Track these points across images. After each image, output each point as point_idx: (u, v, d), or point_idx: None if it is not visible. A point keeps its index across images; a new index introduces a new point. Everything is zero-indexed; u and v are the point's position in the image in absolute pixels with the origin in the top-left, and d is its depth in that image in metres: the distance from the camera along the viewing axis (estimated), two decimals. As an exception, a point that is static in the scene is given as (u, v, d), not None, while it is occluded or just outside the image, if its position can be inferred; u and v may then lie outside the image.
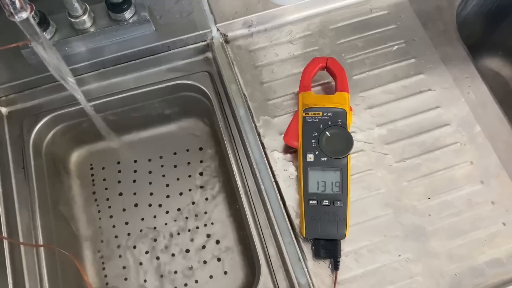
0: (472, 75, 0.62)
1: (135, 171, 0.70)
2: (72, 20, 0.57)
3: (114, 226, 0.67)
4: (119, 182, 0.69)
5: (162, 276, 0.63)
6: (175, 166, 0.70)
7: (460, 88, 0.61)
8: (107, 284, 0.63)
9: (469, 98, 0.60)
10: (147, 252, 0.65)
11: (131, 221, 0.67)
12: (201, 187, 0.68)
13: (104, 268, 0.64)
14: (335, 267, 0.51)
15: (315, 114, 0.54)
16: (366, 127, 0.59)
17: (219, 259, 0.64)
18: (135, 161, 0.71)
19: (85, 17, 0.57)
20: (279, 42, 0.64)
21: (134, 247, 0.65)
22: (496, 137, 0.58)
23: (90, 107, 0.58)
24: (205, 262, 0.64)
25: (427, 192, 0.55)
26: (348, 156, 0.53)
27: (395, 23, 0.65)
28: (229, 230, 0.65)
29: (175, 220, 0.67)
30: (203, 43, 0.63)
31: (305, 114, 0.55)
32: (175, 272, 0.63)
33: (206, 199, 0.68)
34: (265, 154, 0.57)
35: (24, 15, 0.41)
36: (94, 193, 0.69)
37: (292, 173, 0.56)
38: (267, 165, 0.56)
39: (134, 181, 0.69)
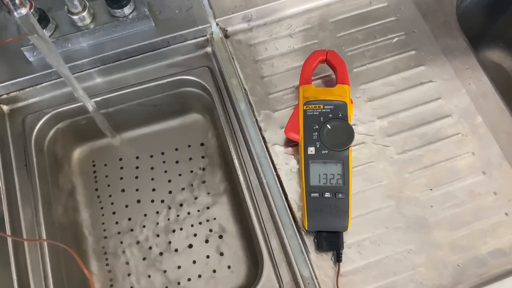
0: (473, 66, 0.61)
1: (137, 168, 0.70)
2: (72, 16, 0.57)
3: (117, 222, 0.67)
4: (121, 178, 0.69)
5: (165, 271, 0.63)
6: (177, 162, 0.70)
7: (461, 79, 0.61)
8: (110, 279, 0.63)
9: (470, 89, 0.60)
10: (150, 248, 0.65)
11: (134, 217, 0.67)
12: (203, 182, 0.69)
13: (107, 264, 0.64)
14: (337, 259, 0.51)
15: (315, 107, 0.54)
16: (367, 119, 0.59)
17: (222, 253, 0.64)
18: (137, 158, 0.71)
19: (85, 13, 0.58)
20: (278, 36, 0.64)
21: (137, 242, 0.65)
22: (497, 127, 0.58)
23: (92, 103, 0.58)
24: (208, 256, 0.64)
25: (429, 183, 0.55)
26: (349, 148, 0.53)
27: (395, 15, 0.65)
28: (231, 224, 0.66)
29: (177, 215, 0.67)
30: (203, 38, 0.63)
31: (306, 107, 0.55)
32: (179, 267, 0.64)
33: (208, 193, 0.68)
34: (267, 148, 0.57)
35: (23, 11, 0.41)
36: (96, 189, 0.69)
37: (293, 166, 0.56)
38: (269, 158, 0.56)
39: (136, 177, 0.69)
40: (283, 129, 0.56)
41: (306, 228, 0.52)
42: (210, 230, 0.66)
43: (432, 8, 0.65)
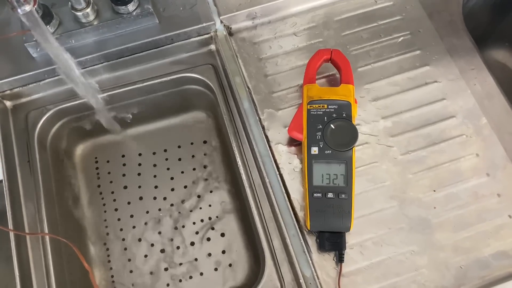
0: (478, 67, 0.61)
1: (139, 164, 0.70)
2: (76, 13, 0.57)
3: (119, 219, 0.67)
4: (123, 175, 0.69)
5: (167, 268, 0.64)
6: (179, 159, 0.70)
7: (466, 80, 0.60)
8: (112, 276, 0.63)
9: (475, 90, 0.60)
10: (152, 245, 0.65)
11: (136, 214, 0.67)
12: (206, 180, 0.69)
13: (109, 261, 0.64)
14: (339, 259, 0.51)
15: (319, 106, 0.54)
16: (371, 119, 0.58)
17: (224, 252, 0.64)
18: (140, 155, 0.71)
19: (89, 10, 0.57)
20: (283, 34, 0.64)
21: (139, 240, 0.65)
22: (502, 128, 0.57)
23: (99, 99, 0.58)
24: (209, 254, 0.64)
25: (432, 184, 0.55)
26: (353, 148, 0.53)
27: (401, 14, 0.64)
28: (233, 223, 0.65)
29: (179, 213, 0.67)
30: (207, 36, 0.63)
31: (310, 106, 0.54)
32: (180, 264, 0.64)
33: (211, 191, 0.68)
34: (270, 147, 0.57)
35: (27, 8, 0.41)
36: (99, 186, 0.69)
37: (296, 166, 0.56)
38: (272, 158, 0.56)
39: (139, 174, 0.69)
40: (287, 128, 0.56)
41: (309, 228, 0.52)
42: (212, 228, 0.66)
43: (438, 8, 0.65)
